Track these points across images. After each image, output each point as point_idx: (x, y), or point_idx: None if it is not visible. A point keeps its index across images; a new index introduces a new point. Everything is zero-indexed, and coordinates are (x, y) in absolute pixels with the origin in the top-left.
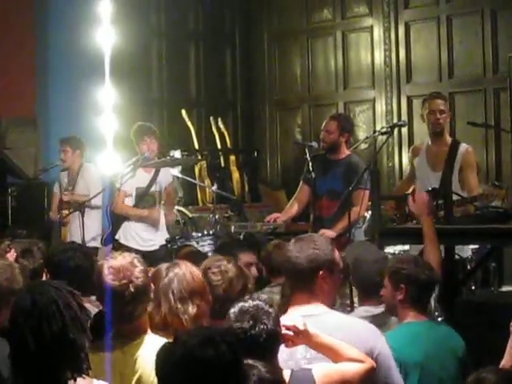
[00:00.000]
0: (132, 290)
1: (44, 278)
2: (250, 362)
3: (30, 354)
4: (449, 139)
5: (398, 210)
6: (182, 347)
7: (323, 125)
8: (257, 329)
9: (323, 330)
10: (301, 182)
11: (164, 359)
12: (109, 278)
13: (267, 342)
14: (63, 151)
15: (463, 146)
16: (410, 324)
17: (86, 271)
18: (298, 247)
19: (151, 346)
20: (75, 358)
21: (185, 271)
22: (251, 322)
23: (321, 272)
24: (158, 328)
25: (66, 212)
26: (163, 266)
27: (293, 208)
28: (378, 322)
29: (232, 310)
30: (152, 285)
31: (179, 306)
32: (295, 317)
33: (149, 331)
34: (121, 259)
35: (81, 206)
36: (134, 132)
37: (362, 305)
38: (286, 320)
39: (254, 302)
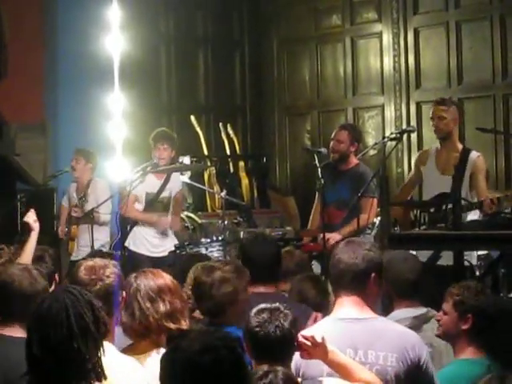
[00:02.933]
0: (98, 287)
1: (53, 285)
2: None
3: (36, 357)
4: (459, 145)
5: (404, 217)
6: (183, 354)
7: (333, 134)
8: (271, 325)
9: (371, 335)
10: (317, 194)
11: (166, 366)
12: (82, 273)
13: (281, 341)
14: (76, 159)
15: (474, 153)
16: (468, 362)
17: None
18: (350, 249)
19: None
20: (80, 367)
21: (151, 275)
22: (266, 318)
23: (373, 274)
24: (138, 335)
25: (74, 227)
26: (132, 275)
27: (316, 221)
28: (415, 323)
29: (253, 309)
30: (124, 292)
31: (148, 305)
32: (314, 329)
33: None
34: (97, 260)
35: (89, 214)
36: (152, 137)
37: (399, 307)
38: (305, 331)
39: (275, 304)
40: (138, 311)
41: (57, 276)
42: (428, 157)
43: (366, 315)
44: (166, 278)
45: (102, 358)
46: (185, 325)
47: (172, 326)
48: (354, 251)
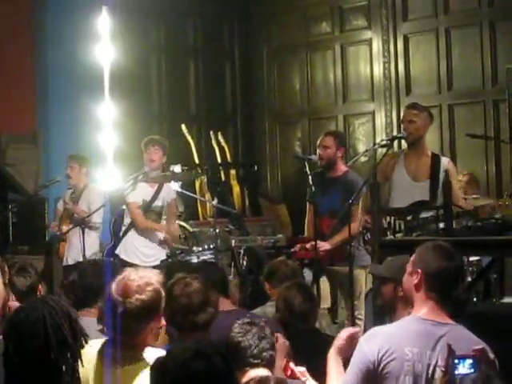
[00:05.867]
0: (138, 303)
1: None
2: None
3: (13, 367)
4: (428, 151)
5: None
6: (175, 360)
7: (318, 142)
8: (252, 334)
9: (451, 341)
10: (307, 205)
11: (158, 373)
12: (131, 281)
13: (262, 349)
14: (70, 167)
15: (445, 159)
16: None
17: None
18: (447, 254)
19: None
20: (58, 379)
21: None
22: (248, 328)
23: None
24: None
25: (65, 227)
26: None
27: (311, 232)
28: None
29: (234, 324)
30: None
31: None
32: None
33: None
34: (138, 272)
35: (81, 222)
36: (142, 143)
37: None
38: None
39: (250, 319)
40: None
41: (41, 286)
42: (396, 162)
43: (448, 320)
44: None
45: (80, 369)
46: None
47: None
48: (451, 257)
